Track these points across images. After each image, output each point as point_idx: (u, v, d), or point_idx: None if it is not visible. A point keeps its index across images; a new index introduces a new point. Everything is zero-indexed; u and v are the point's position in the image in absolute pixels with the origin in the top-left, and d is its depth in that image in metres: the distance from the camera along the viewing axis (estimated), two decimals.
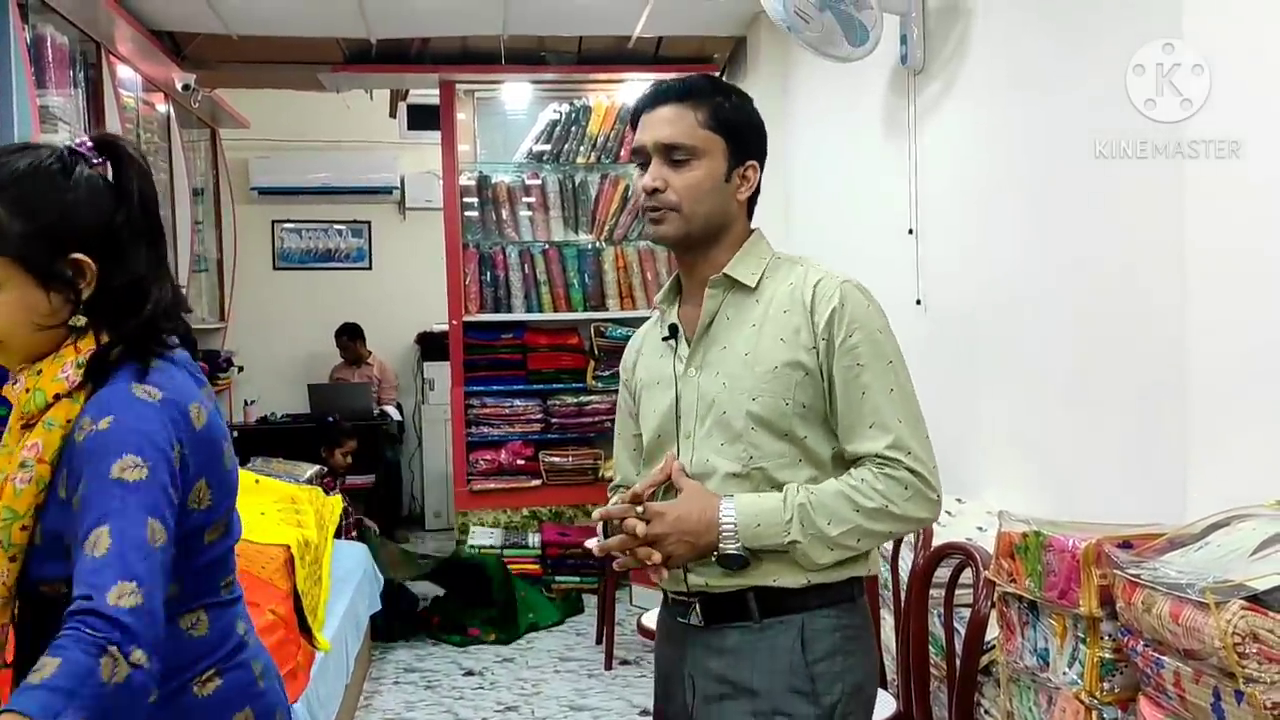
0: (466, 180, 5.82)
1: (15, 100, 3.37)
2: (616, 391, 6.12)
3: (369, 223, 8.00)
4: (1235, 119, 2.05)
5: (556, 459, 5.77)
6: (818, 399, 1.55)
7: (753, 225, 1.69)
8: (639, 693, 4.11)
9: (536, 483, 5.76)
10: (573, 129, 5.84)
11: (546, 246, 5.84)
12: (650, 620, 3.32)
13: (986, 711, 2.32)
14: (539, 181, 5.87)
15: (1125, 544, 1.83)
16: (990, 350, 3.06)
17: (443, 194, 5.81)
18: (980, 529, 2.69)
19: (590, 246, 5.88)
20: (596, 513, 1.60)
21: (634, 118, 1.65)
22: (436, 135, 6.15)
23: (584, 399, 5.81)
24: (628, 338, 6.09)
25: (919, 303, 3.39)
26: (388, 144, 7.65)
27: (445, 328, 7.29)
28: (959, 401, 3.17)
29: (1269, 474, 1.88)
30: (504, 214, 5.84)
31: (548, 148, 5.84)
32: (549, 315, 5.82)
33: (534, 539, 5.53)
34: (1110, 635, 1.83)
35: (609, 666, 4.39)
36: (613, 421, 6.08)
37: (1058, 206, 2.73)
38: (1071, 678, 1.89)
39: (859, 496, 1.50)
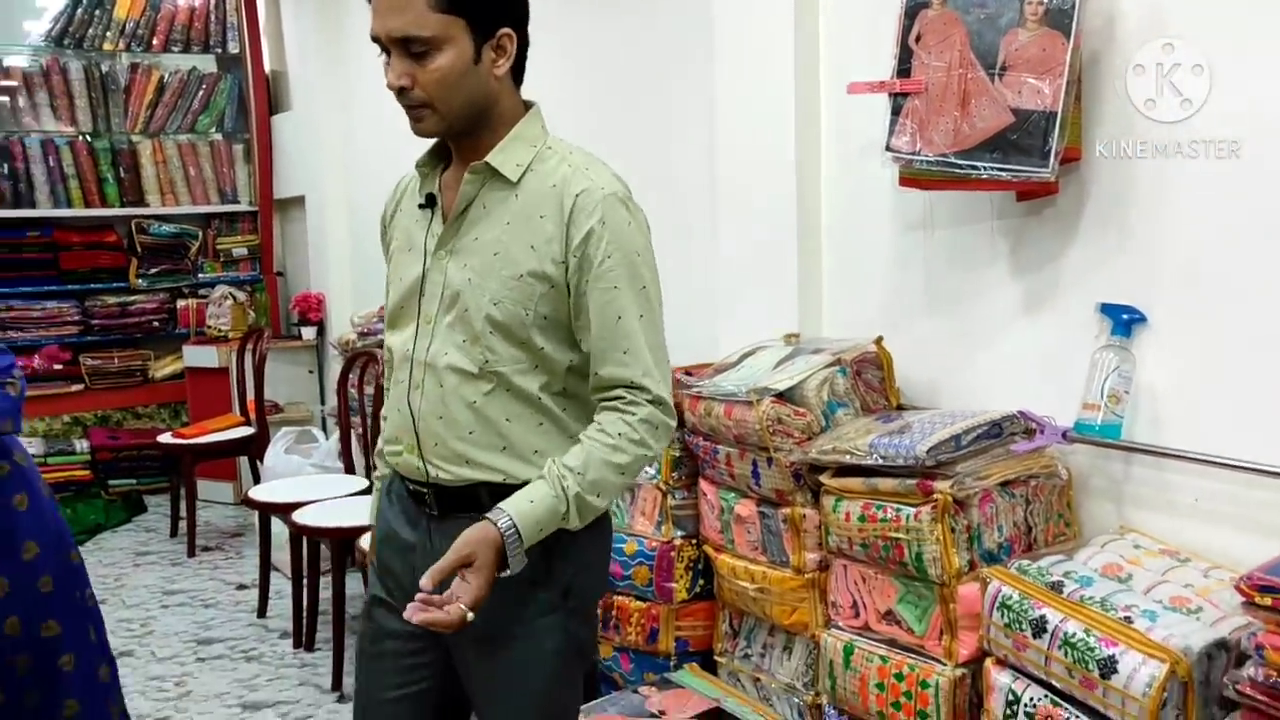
0: None
1: None
2: (163, 291, 5.97)
3: None
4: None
5: (99, 362, 5.56)
6: (560, 311, 1.48)
7: (527, 99, 1.56)
8: (230, 573, 4.30)
9: (78, 387, 5.52)
10: (96, 12, 5.52)
11: (75, 138, 5.51)
12: None
13: None
14: (60, 68, 5.49)
15: (687, 372, 2.49)
16: None
17: None
18: None
19: (124, 139, 5.63)
20: (421, 619, 1.35)
21: None
22: None
23: (127, 299, 5.62)
24: (174, 235, 5.98)
25: None
26: None
27: None
28: None
29: (770, 320, 2.62)
30: (20, 102, 5.41)
31: (68, 30, 5.47)
32: (81, 211, 5.53)
33: (81, 445, 5.34)
34: (679, 439, 2.50)
35: (192, 554, 4.50)
36: (160, 321, 5.89)
37: (606, 113, 3.34)
38: (651, 474, 2.54)
39: (620, 457, 1.44)
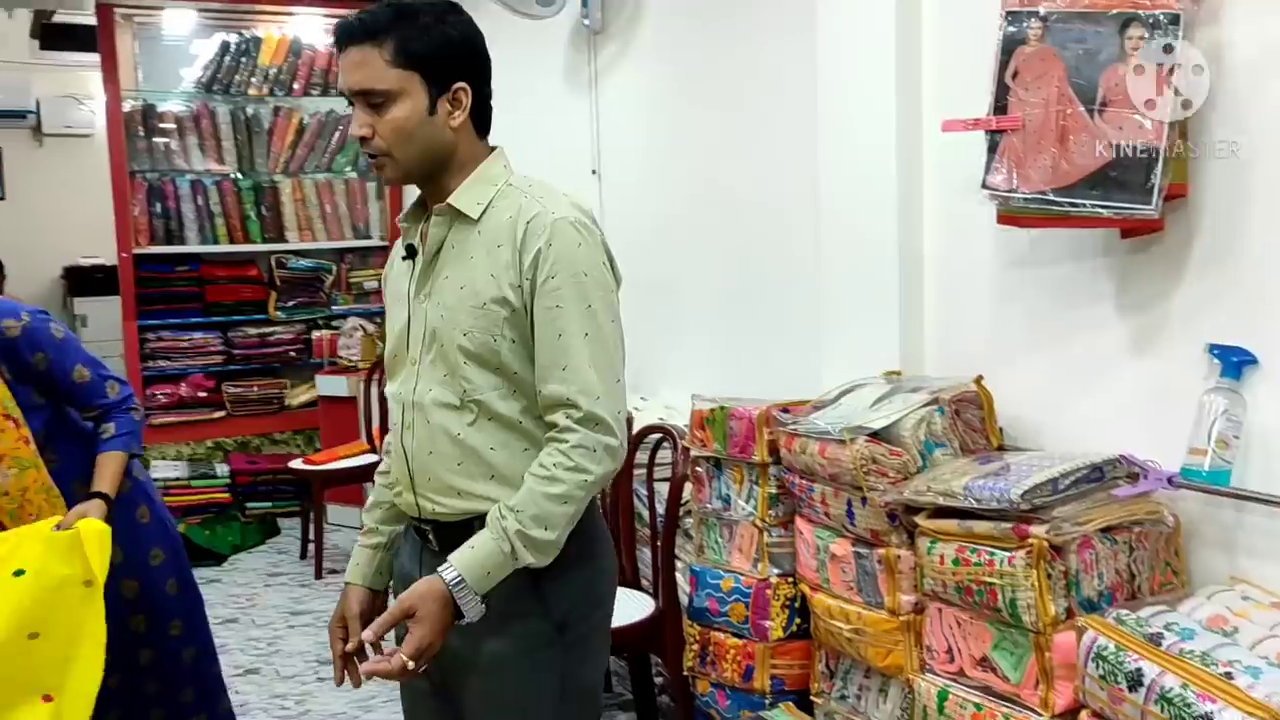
0: (129, 108, 5.67)
1: None
2: (299, 322, 6.25)
3: None
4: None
5: (240, 390, 5.85)
6: (526, 334, 1.54)
7: (493, 143, 1.65)
8: None
9: (220, 414, 5.82)
10: (243, 60, 5.85)
11: (220, 178, 5.84)
12: None
13: (679, 558, 2.96)
14: (209, 112, 5.83)
15: (784, 409, 2.49)
16: (664, 274, 3.69)
17: (106, 123, 5.63)
18: (661, 419, 3.33)
19: (267, 178, 5.94)
20: (365, 667, 1.51)
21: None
22: (75, 57, 5.86)
23: (267, 330, 5.92)
24: (310, 269, 6.27)
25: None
26: (18, 65, 7.13)
27: (98, 261, 7.04)
28: (638, 317, 3.77)
29: (873, 357, 2.60)
30: (173, 144, 5.77)
31: (217, 77, 5.82)
32: (226, 247, 5.85)
33: (222, 469, 5.62)
34: (775, 476, 2.49)
35: (319, 576, 4.69)
36: (296, 351, 6.18)
37: (716, 152, 3.38)
38: (748, 511, 2.55)
39: (557, 487, 1.48)
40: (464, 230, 1.58)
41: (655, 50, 3.68)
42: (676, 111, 3.59)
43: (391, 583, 1.76)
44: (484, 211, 1.57)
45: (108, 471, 2.25)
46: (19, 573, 1.97)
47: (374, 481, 1.84)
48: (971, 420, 2.29)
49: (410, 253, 1.64)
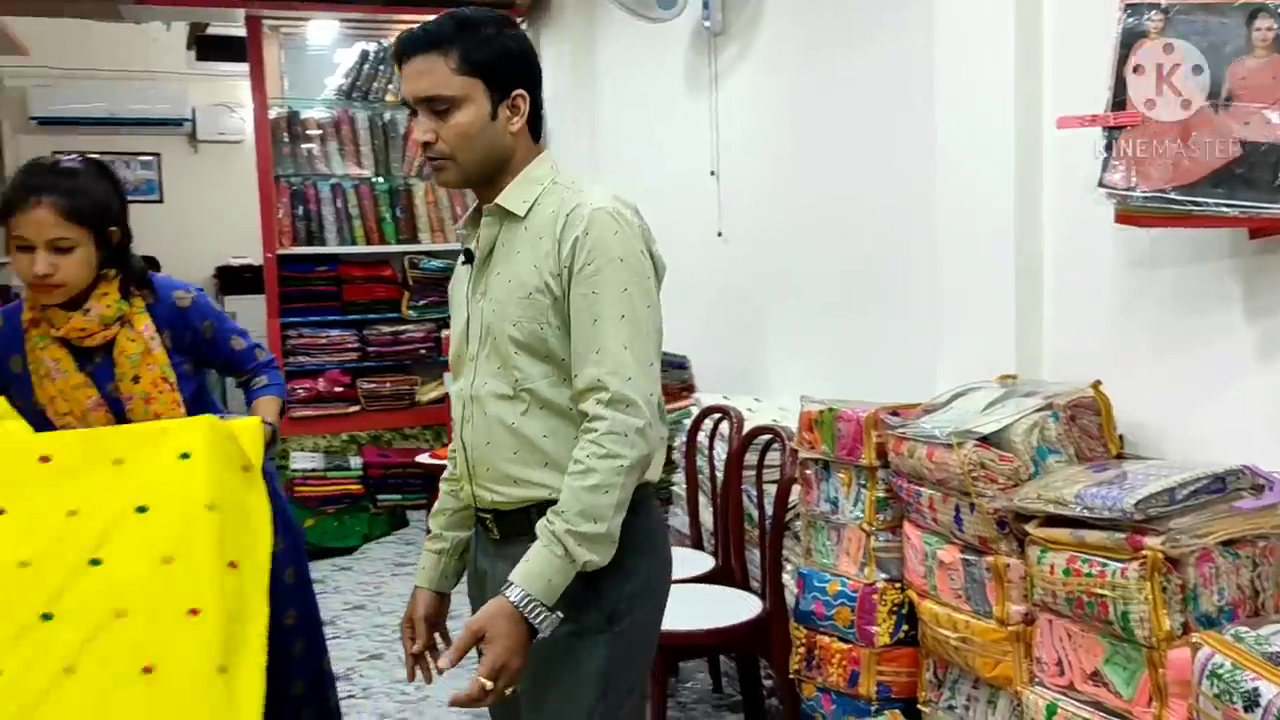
0: (275, 115, 5.94)
1: None
2: (430, 321, 6.43)
3: (159, 155, 7.88)
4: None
5: (374, 385, 6.06)
6: (569, 322, 1.58)
7: (542, 145, 1.70)
8: None
9: (355, 409, 6.02)
10: (381, 68, 6.06)
11: (358, 182, 6.06)
12: None
13: (787, 559, 2.94)
14: (349, 118, 6.07)
15: (894, 412, 2.46)
16: (779, 273, 3.68)
17: (253, 129, 5.91)
18: (774, 420, 3.31)
19: (401, 182, 6.15)
20: (450, 700, 1.51)
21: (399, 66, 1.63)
22: (227, 67, 6.13)
23: (400, 328, 6.10)
24: (442, 269, 6.42)
25: (720, 235, 3.97)
26: (176, 75, 7.56)
27: (246, 261, 7.39)
28: (754, 318, 3.79)
29: (990, 360, 2.54)
30: (315, 149, 6.02)
31: (357, 84, 6.04)
32: (362, 248, 6.06)
33: (355, 461, 5.83)
34: (883, 480, 2.46)
35: None
36: (427, 349, 6.35)
37: (833, 153, 3.35)
38: (855, 514, 2.52)
39: (593, 478, 1.50)
40: (512, 228, 1.64)
41: (774, 51, 3.67)
42: (795, 112, 3.57)
43: (469, 573, 1.84)
44: (530, 209, 1.63)
45: (266, 411, 2.40)
46: (185, 455, 2.06)
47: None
48: (1088, 427, 2.21)
49: (468, 257, 1.71)
